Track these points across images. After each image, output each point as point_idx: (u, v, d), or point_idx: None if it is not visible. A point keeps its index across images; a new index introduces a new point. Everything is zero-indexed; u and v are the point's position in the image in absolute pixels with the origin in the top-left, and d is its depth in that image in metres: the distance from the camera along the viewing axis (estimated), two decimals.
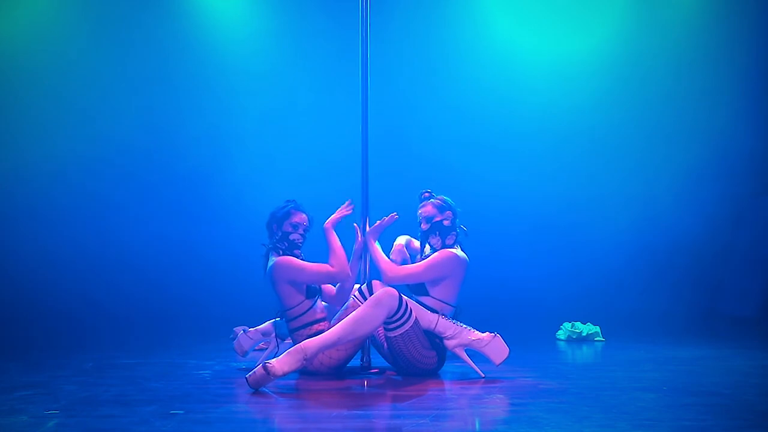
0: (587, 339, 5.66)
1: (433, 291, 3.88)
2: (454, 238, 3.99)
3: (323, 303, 4.07)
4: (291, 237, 3.94)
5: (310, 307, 3.91)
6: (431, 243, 3.98)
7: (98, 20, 7.16)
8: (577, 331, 5.70)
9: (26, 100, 7.06)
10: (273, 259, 3.91)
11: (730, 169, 7.43)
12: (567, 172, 7.45)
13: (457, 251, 3.92)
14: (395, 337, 3.68)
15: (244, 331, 4.33)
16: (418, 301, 3.89)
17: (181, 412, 2.96)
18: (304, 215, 4.00)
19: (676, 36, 7.42)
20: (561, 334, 5.79)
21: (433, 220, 3.96)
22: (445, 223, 3.96)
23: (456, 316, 3.92)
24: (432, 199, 4.03)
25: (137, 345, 5.28)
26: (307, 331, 3.88)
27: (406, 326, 3.65)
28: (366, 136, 4.17)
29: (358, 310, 3.61)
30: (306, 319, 3.90)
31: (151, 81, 7.22)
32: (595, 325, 5.76)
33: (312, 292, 3.94)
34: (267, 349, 4.24)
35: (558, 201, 7.40)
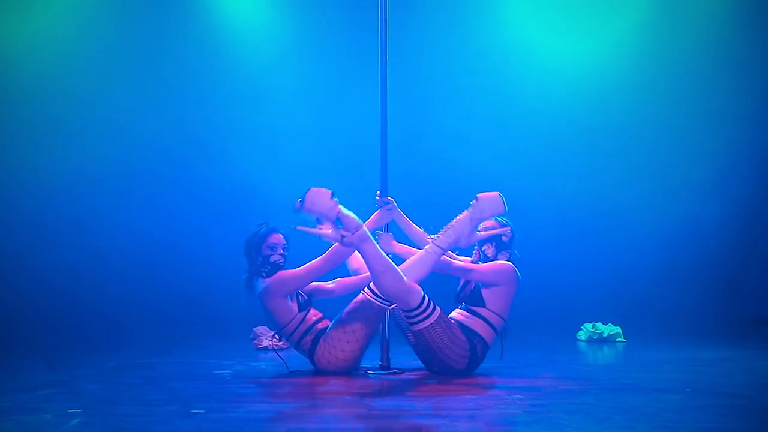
0: (608, 340, 5.62)
1: (489, 303, 3.91)
2: (507, 256, 4.05)
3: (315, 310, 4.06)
4: (272, 259, 3.93)
5: (304, 318, 3.93)
6: (484, 250, 4.05)
7: (117, 23, 7.20)
8: (598, 331, 5.66)
9: (40, 101, 7.09)
10: (262, 283, 3.91)
11: (754, 170, 7.33)
12: (586, 172, 7.38)
13: (514, 267, 4.00)
14: (420, 330, 3.74)
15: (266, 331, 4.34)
16: (472, 312, 3.92)
17: (202, 411, 2.98)
18: (279, 235, 3.99)
19: (700, 32, 7.32)
20: (582, 335, 5.75)
21: (493, 232, 4.05)
22: (504, 238, 4.05)
23: (504, 333, 3.95)
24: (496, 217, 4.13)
25: (158, 345, 5.32)
26: (311, 336, 3.90)
27: (431, 319, 3.72)
28: (385, 135, 4.16)
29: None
30: (303, 327, 3.91)
31: (168, 81, 7.25)
32: (616, 325, 5.72)
33: (304, 305, 3.96)
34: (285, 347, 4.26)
35: (579, 202, 7.34)
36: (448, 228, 3.82)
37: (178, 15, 7.25)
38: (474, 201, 3.83)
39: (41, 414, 2.92)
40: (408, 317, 3.77)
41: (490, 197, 3.81)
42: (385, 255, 3.72)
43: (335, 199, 3.61)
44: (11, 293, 6.74)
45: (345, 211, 3.63)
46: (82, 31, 7.12)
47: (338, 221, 3.65)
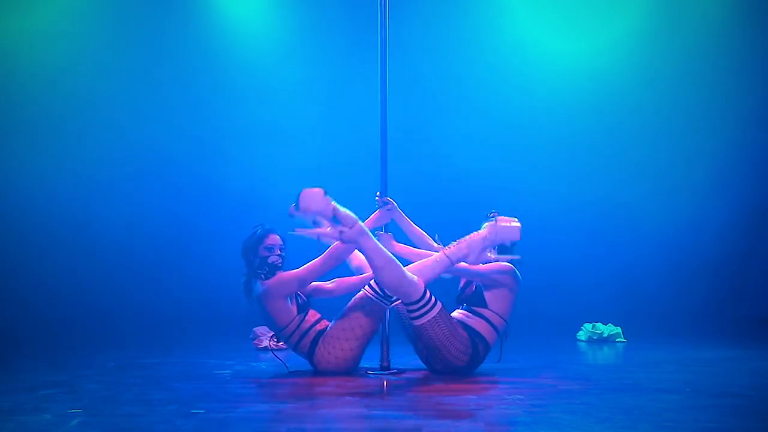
0: (608, 340, 5.62)
1: (491, 304, 3.92)
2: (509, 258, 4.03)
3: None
4: (270, 260, 3.93)
5: (303, 319, 3.92)
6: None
7: (118, 24, 7.21)
8: (599, 331, 5.66)
9: (40, 102, 7.08)
10: (261, 285, 3.91)
11: (754, 170, 7.33)
12: (586, 172, 7.38)
13: (515, 268, 3.99)
14: (422, 325, 3.75)
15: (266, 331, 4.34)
16: (474, 312, 3.93)
17: (202, 411, 2.98)
18: (275, 236, 3.99)
19: (700, 33, 7.31)
20: (582, 335, 5.75)
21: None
22: (506, 242, 4.01)
23: (505, 334, 3.98)
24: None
25: (159, 345, 5.32)
26: (310, 337, 3.90)
27: (432, 313, 3.73)
28: (385, 135, 4.16)
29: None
30: (302, 329, 3.91)
31: (168, 81, 7.25)
32: (616, 326, 5.72)
33: (303, 306, 3.96)
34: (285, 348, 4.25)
35: (579, 202, 7.34)
36: (461, 242, 3.78)
37: (179, 15, 7.27)
38: (492, 222, 3.79)
39: (42, 414, 2.92)
40: (410, 311, 3.76)
41: (509, 226, 3.77)
42: (385, 249, 3.69)
43: (329, 196, 3.56)
44: (12, 293, 6.73)
45: (340, 208, 3.59)
46: (82, 32, 7.12)
47: (335, 219, 3.62)
